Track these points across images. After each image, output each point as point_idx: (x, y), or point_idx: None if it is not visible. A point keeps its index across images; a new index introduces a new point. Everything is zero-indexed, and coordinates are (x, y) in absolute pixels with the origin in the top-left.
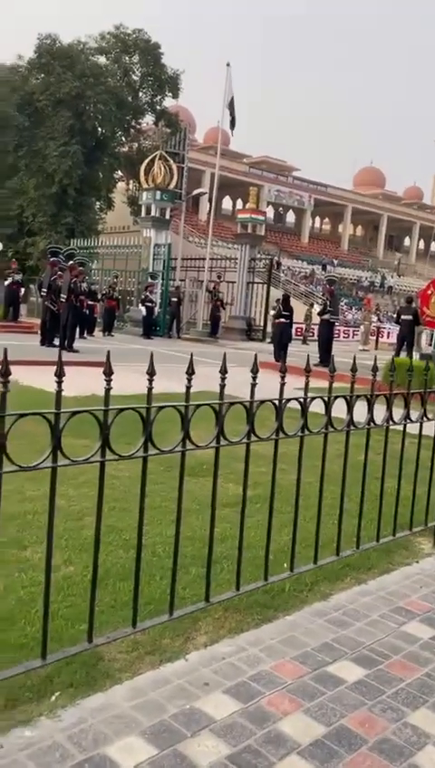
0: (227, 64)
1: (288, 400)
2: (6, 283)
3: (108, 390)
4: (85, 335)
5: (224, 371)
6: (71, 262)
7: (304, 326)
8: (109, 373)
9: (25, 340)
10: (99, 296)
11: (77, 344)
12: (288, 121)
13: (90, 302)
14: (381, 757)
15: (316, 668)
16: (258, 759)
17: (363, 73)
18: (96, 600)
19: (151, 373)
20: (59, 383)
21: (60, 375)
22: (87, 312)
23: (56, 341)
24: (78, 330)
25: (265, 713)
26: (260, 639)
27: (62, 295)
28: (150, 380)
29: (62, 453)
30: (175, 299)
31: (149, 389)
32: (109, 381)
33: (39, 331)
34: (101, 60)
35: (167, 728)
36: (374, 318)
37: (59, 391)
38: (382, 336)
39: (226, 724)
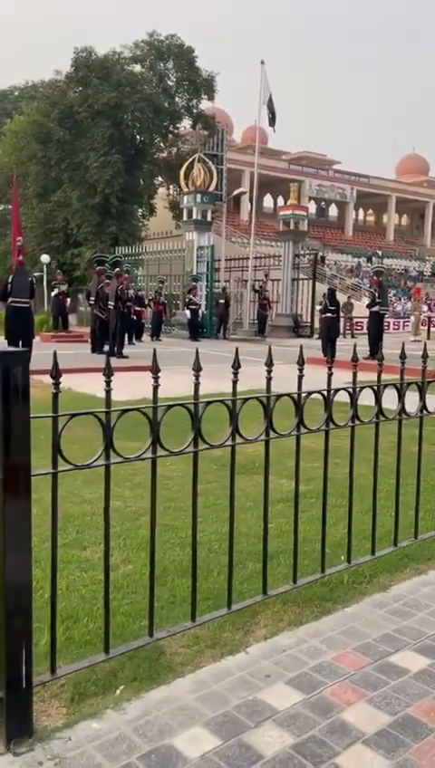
0: (262, 62)
1: (337, 390)
2: (53, 293)
3: (156, 388)
4: (134, 341)
5: (270, 364)
6: (117, 269)
7: (343, 320)
8: (156, 371)
9: (76, 348)
10: (146, 301)
11: (126, 350)
12: (327, 115)
13: (137, 308)
14: None
15: (378, 659)
16: (323, 748)
17: (399, 61)
18: (155, 596)
19: (198, 369)
20: (108, 382)
21: (108, 374)
22: (135, 317)
23: (106, 348)
24: (127, 336)
25: (328, 703)
26: (320, 631)
27: (109, 303)
28: (197, 376)
29: (114, 450)
30: (222, 300)
31: (196, 385)
32: (156, 379)
33: (89, 339)
34: (137, 68)
35: (230, 719)
36: (425, 308)
37: (108, 390)
38: (434, 326)
39: (289, 715)
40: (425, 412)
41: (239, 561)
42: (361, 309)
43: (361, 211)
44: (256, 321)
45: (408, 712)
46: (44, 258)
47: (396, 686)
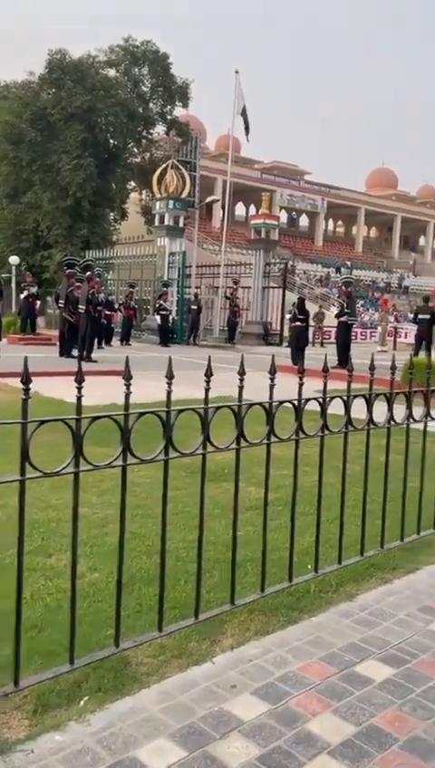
0: (236, 72)
1: (307, 400)
2: (23, 295)
3: (127, 395)
4: (103, 345)
5: (242, 373)
6: (88, 273)
7: (313, 329)
8: (128, 378)
9: (44, 351)
10: (116, 306)
11: (95, 354)
12: (299, 126)
13: (107, 313)
14: (412, 755)
15: (344, 669)
16: (289, 759)
17: (371, 75)
18: (122, 605)
19: (170, 376)
20: (79, 389)
21: (79, 381)
22: (105, 322)
23: (75, 352)
24: (96, 340)
25: (293, 713)
26: (286, 641)
27: (80, 306)
28: (169, 383)
29: (83, 458)
30: (194, 306)
31: (168, 392)
32: (128, 386)
33: (57, 343)
34: (111, 72)
35: (196, 730)
36: (391, 318)
37: (79, 397)
38: (400, 336)
39: (254, 726)
40: (392, 423)
41: (207, 569)
42: (331, 318)
43: (331, 222)
44: (227, 328)
45: (372, 722)
46: (13, 260)
47: (361, 695)
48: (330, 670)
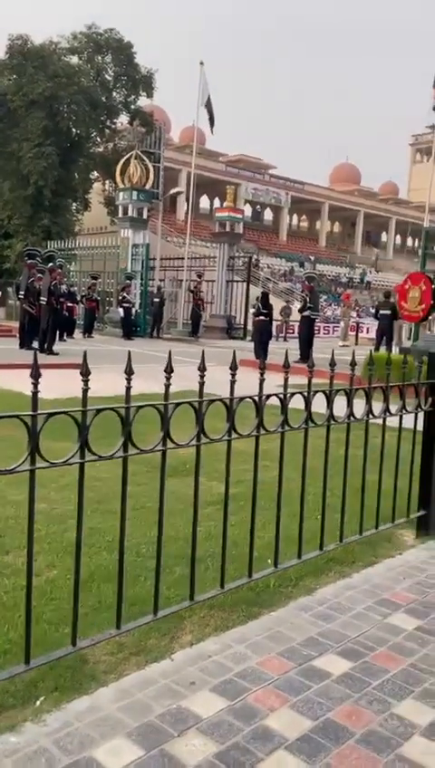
0: (201, 63)
1: (268, 396)
2: None
3: (85, 391)
4: (65, 337)
5: (203, 369)
6: (51, 264)
7: (279, 324)
8: (86, 373)
9: (4, 343)
10: (78, 298)
11: (57, 347)
12: (263, 119)
13: (69, 305)
14: (368, 749)
15: (302, 663)
16: (246, 756)
17: (339, 72)
18: (80, 602)
19: (130, 372)
20: (35, 384)
21: (36, 376)
22: (66, 314)
23: (35, 344)
24: (57, 332)
25: (252, 709)
26: (246, 636)
27: (42, 298)
28: (129, 380)
29: (40, 455)
30: (157, 299)
31: (128, 389)
32: (86, 382)
33: (17, 335)
34: (74, 60)
35: (154, 729)
36: (353, 314)
37: (35, 392)
38: (362, 331)
39: (213, 723)
40: (352, 418)
41: (167, 565)
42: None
43: (295, 216)
44: (190, 322)
45: (329, 716)
46: None
47: (319, 690)
48: (288, 665)
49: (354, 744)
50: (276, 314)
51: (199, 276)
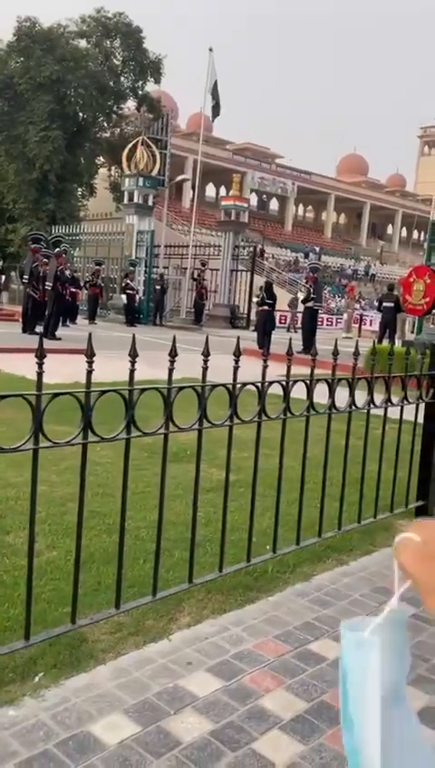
0: (210, 49)
1: (271, 383)
2: None
3: (89, 372)
4: (68, 323)
5: (206, 354)
6: (57, 249)
7: (288, 315)
8: (90, 355)
9: (7, 327)
10: (82, 283)
11: (60, 332)
12: (272, 108)
13: (72, 290)
14: None
15: (298, 647)
16: (241, 734)
17: (350, 63)
18: (80, 583)
19: (134, 355)
20: (39, 364)
21: (40, 356)
22: (69, 299)
23: (38, 329)
24: (61, 318)
25: (247, 690)
26: (242, 620)
27: (47, 283)
28: (133, 362)
29: (43, 435)
30: (159, 286)
31: (132, 371)
32: (90, 363)
33: (21, 319)
34: (82, 44)
35: (150, 706)
36: (357, 306)
37: (40, 372)
38: (365, 323)
39: (208, 702)
40: (353, 407)
41: (166, 548)
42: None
43: (301, 207)
44: (193, 310)
45: (324, 698)
46: None
47: (314, 672)
48: (284, 648)
49: None
50: (284, 306)
51: (204, 264)
